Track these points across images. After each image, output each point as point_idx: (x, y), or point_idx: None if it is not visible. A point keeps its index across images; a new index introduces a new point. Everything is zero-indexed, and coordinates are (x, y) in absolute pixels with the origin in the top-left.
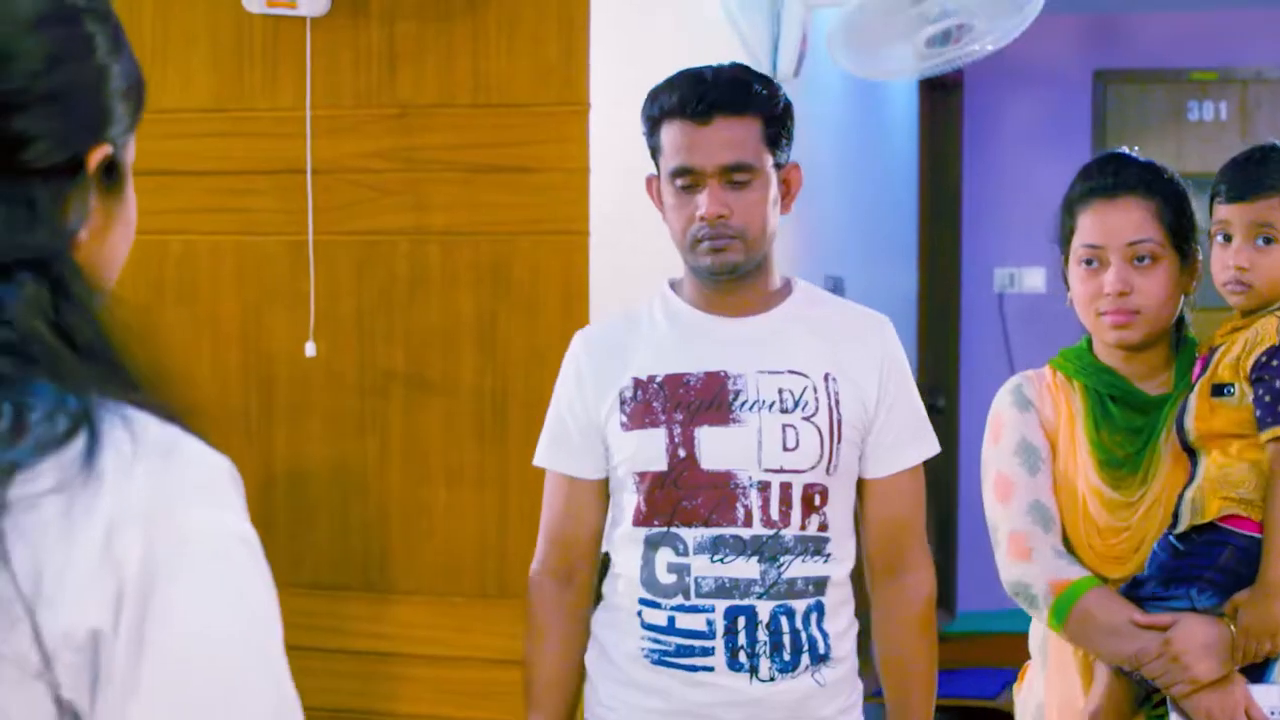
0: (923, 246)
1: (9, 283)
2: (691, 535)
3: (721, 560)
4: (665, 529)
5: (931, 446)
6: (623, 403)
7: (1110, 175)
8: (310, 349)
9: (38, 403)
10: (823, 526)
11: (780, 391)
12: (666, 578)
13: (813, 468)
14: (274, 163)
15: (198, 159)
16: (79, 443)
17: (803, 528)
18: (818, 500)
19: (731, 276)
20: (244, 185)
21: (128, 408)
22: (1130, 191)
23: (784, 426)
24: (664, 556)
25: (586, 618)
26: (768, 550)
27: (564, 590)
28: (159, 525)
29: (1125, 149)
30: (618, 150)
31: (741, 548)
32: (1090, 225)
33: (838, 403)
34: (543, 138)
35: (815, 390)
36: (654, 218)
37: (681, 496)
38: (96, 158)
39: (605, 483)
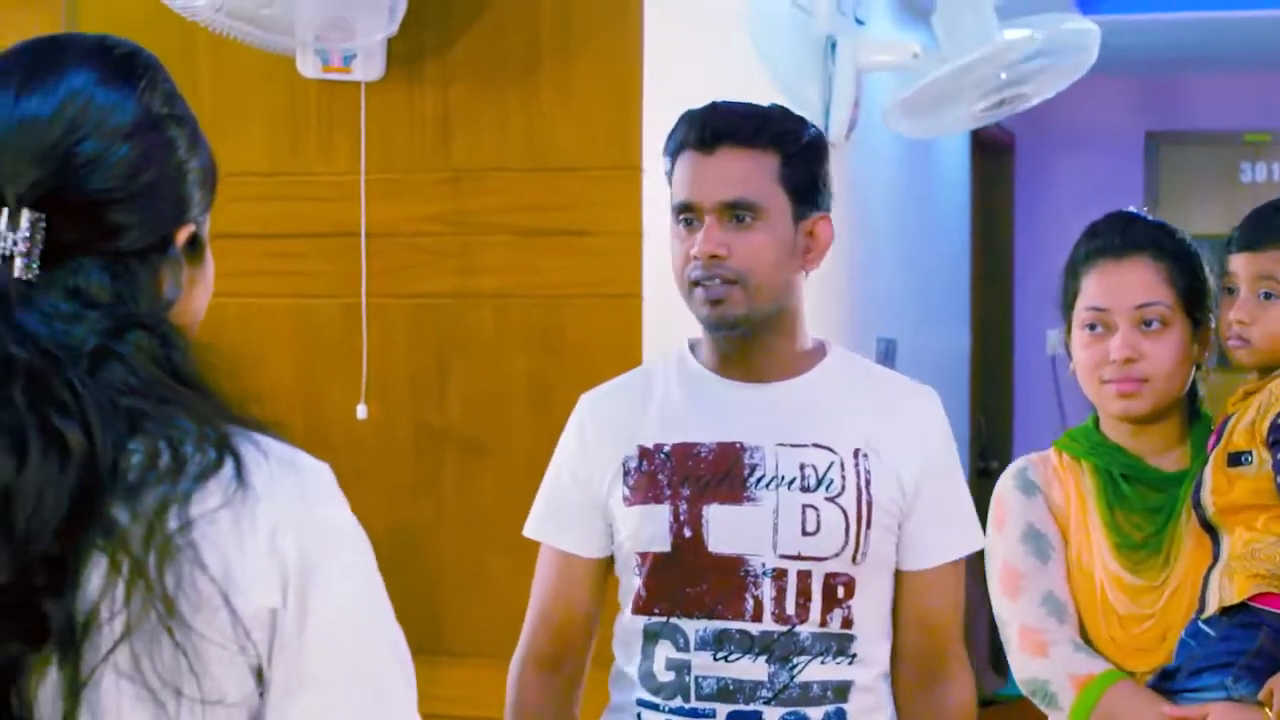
0: (975, 308)
1: (124, 341)
2: (693, 628)
3: (725, 658)
4: (665, 619)
5: (975, 540)
6: (626, 474)
7: (1117, 234)
8: (362, 411)
9: (184, 436)
10: (847, 623)
11: (802, 467)
12: (665, 675)
13: (836, 555)
14: (328, 226)
15: (253, 222)
16: (229, 466)
17: (823, 624)
18: (841, 592)
19: (735, 333)
20: (298, 248)
21: (241, 429)
22: (1139, 251)
23: (804, 507)
24: (663, 651)
25: (573, 711)
26: (778, 649)
27: (549, 679)
28: (306, 524)
29: (1134, 209)
30: (670, 213)
31: (748, 645)
32: (1095, 287)
33: (868, 483)
34: (596, 201)
35: (843, 467)
36: None
37: (684, 582)
38: (182, 236)
39: (605, 563)
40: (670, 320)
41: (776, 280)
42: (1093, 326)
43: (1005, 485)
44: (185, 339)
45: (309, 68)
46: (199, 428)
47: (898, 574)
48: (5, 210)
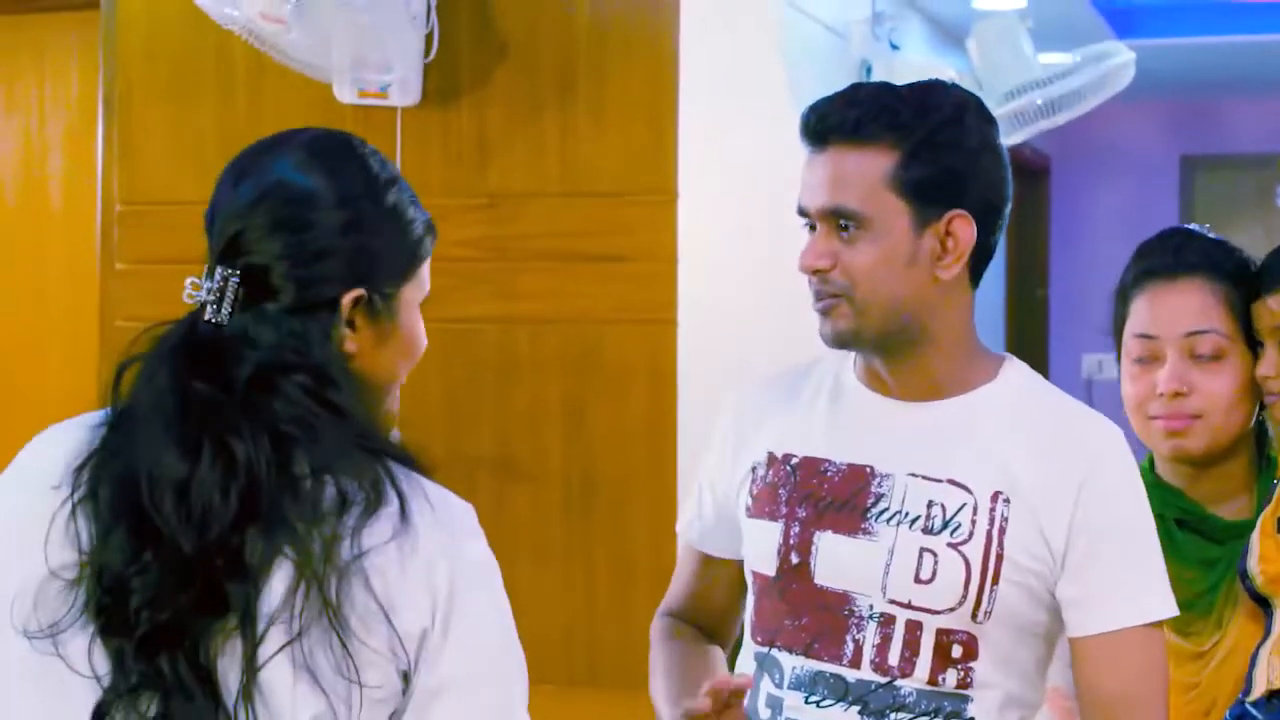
0: (1010, 333)
1: (285, 380)
2: (790, 664)
3: (817, 703)
4: (767, 649)
5: (1158, 607)
6: (753, 481)
7: (1169, 253)
8: (395, 435)
9: (348, 473)
10: (964, 684)
11: (930, 505)
12: (764, 711)
13: (951, 610)
14: None
15: None
16: (394, 504)
17: (932, 682)
18: (958, 652)
19: (852, 350)
20: None
21: (399, 466)
22: (1191, 273)
23: (922, 551)
24: (765, 685)
25: (720, 658)
26: (874, 702)
27: (687, 626)
28: (456, 560)
29: (1193, 225)
30: (706, 239)
31: (842, 692)
32: (1143, 312)
33: (1002, 532)
34: (631, 227)
35: (975, 511)
36: (742, 306)
37: (786, 613)
38: (347, 300)
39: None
40: (705, 345)
41: (892, 295)
42: (1140, 357)
43: None
44: (355, 384)
45: (345, 93)
46: (360, 465)
47: (1070, 643)
48: (206, 267)
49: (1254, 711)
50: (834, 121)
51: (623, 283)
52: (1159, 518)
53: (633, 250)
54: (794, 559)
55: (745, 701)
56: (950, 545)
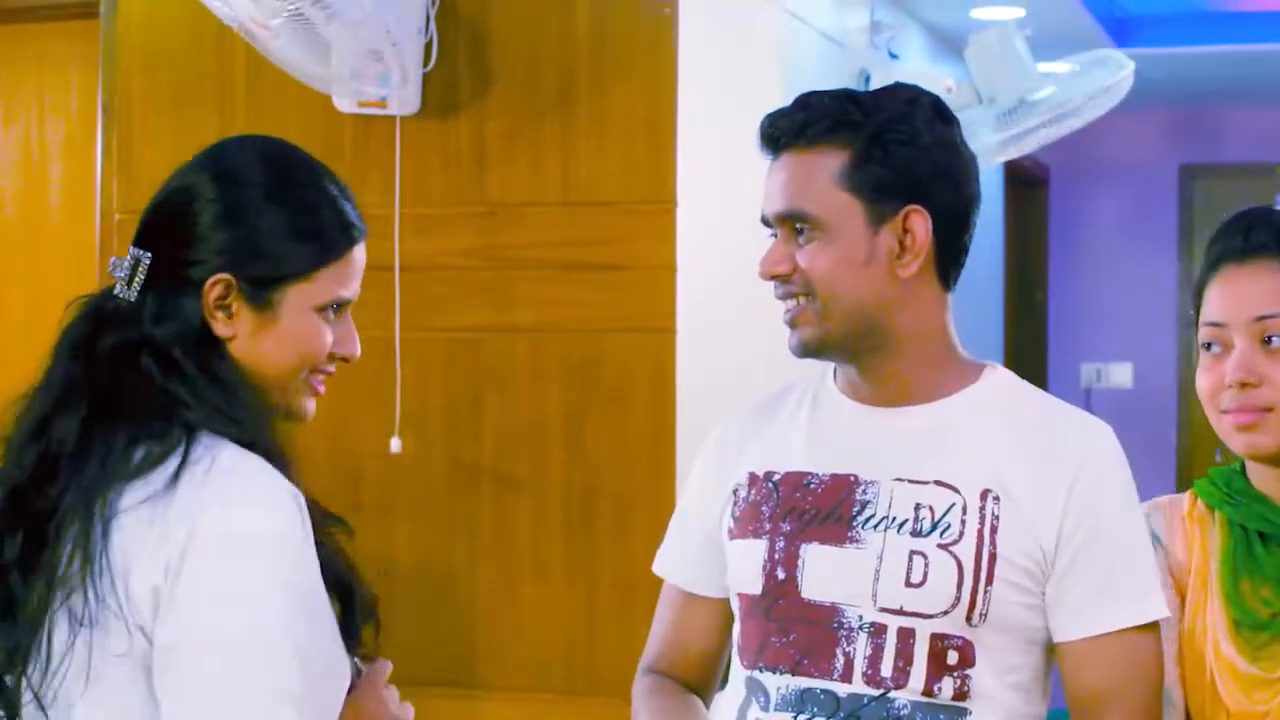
0: (1009, 341)
1: (143, 354)
2: (776, 684)
3: None
4: (753, 672)
5: (1148, 608)
6: (735, 503)
7: (1239, 235)
8: (395, 445)
9: (146, 436)
10: (961, 694)
11: (917, 508)
12: None
13: (945, 613)
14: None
15: None
16: (171, 467)
17: (928, 693)
18: (953, 658)
19: (822, 359)
20: None
21: (226, 443)
22: (1261, 254)
23: (911, 554)
24: (751, 710)
25: (702, 707)
26: (866, 716)
27: (668, 680)
28: (204, 524)
29: (1272, 207)
30: (705, 247)
31: (832, 708)
32: (1214, 298)
33: (994, 530)
34: (631, 235)
35: (965, 511)
36: (742, 315)
37: (773, 631)
38: (209, 285)
39: (727, 603)
40: (705, 354)
41: (852, 295)
42: (1209, 345)
43: None
44: (208, 363)
45: (344, 101)
46: (167, 435)
47: (1057, 647)
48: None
49: None
50: (784, 126)
51: (622, 292)
52: (1239, 529)
53: (632, 259)
54: (780, 574)
55: None
56: (941, 546)
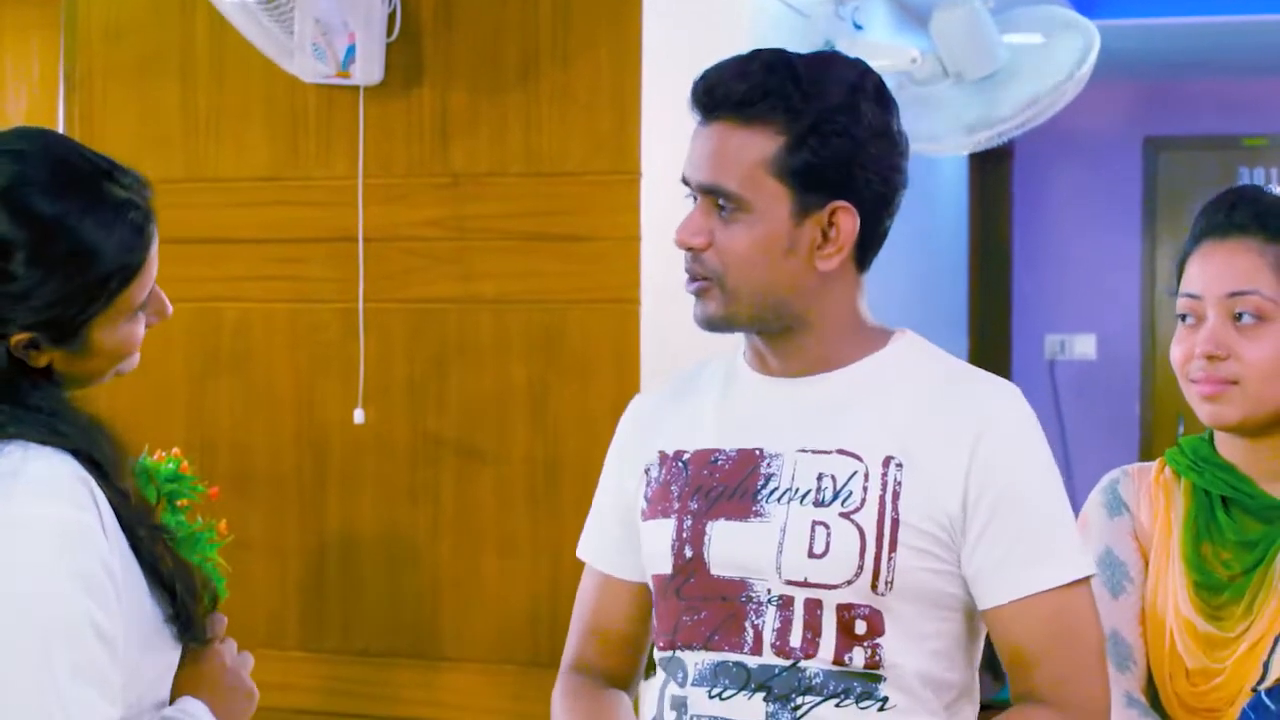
0: (973, 314)
1: None
2: (692, 661)
3: (719, 695)
4: (671, 653)
5: (1069, 567)
6: (647, 484)
7: (1222, 212)
8: (359, 416)
9: None
10: (873, 664)
11: (820, 478)
12: (669, 715)
13: (848, 582)
14: (327, 231)
15: (252, 227)
16: None
17: (838, 661)
18: (861, 628)
19: (724, 332)
20: (297, 253)
21: (33, 446)
22: (1242, 233)
23: (814, 524)
24: (669, 687)
25: (626, 709)
26: (778, 687)
27: (586, 678)
28: None
29: (1262, 185)
30: (669, 219)
31: (744, 680)
32: (1193, 271)
33: (895, 496)
34: (594, 207)
35: (867, 478)
36: None
37: (684, 609)
38: (14, 343)
39: (647, 587)
40: (669, 326)
41: (765, 283)
42: (1184, 317)
43: (1092, 500)
44: (8, 400)
45: (308, 72)
46: None
47: (984, 615)
48: None
49: (1268, 701)
50: (721, 94)
51: (586, 263)
52: (1203, 494)
53: (595, 230)
54: (688, 553)
55: (651, 710)
56: (842, 515)
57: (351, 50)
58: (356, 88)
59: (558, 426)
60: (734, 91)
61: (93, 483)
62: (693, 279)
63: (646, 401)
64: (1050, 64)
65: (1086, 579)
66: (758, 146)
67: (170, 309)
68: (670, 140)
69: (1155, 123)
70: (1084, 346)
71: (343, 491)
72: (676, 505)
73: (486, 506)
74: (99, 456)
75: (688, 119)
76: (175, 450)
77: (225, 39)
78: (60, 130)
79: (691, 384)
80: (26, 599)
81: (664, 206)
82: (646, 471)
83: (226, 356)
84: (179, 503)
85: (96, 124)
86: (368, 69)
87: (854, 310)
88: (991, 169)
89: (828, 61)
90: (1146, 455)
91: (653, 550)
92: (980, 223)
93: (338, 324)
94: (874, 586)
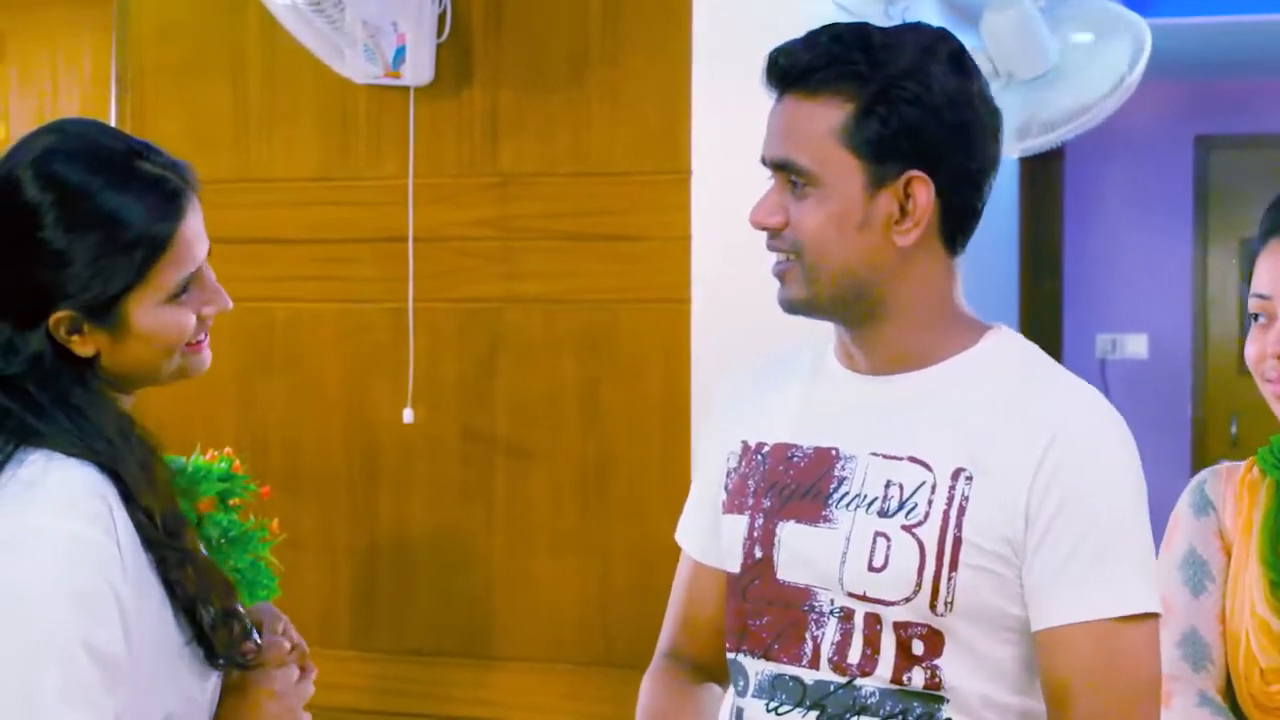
0: (1024, 313)
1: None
2: (753, 669)
3: (776, 710)
4: (735, 655)
5: (1133, 598)
6: (728, 473)
7: None
8: (408, 415)
9: None
10: (934, 684)
11: (888, 485)
12: None
13: (906, 600)
14: (377, 231)
15: (302, 227)
16: None
17: (897, 681)
18: (919, 648)
19: (807, 316)
20: (347, 253)
21: (58, 457)
22: None
23: (875, 535)
24: (730, 695)
25: (712, 703)
26: (832, 706)
27: (677, 668)
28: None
29: None
30: (719, 218)
31: (799, 695)
32: (1262, 270)
33: (961, 512)
34: (644, 206)
35: (934, 490)
36: (755, 285)
37: (749, 613)
38: (53, 322)
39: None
40: (718, 324)
41: (842, 260)
42: (1255, 316)
43: (1182, 499)
44: (63, 388)
45: (358, 73)
46: (9, 448)
47: (1034, 636)
48: None
49: None
50: (786, 66)
51: (636, 262)
52: None
53: (646, 230)
54: (758, 553)
55: (725, 714)
56: (904, 528)
57: (401, 51)
58: (406, 88)
59: (608, 425)
60: (799, 61)
61: (113, 499)
62: (774, 258)
63: (737, 382)
64: (1101, 65)
65: (1150, 616)
66: (826, 117)
67: (228, 302)
68: (720, 139)
69: (1206, 121)
70: (1135, 346)
71: (393, 490)
72: (751, 501)
73: (537, 505)
74: (125, 474)
75: (737, 118)
76: (227, 449)
77: (276, 40)
78: None
79: (780, 371)
80: (20, 617)
81: (713, 205)
82: (728, 460)
83: (277, 356)
84: (231, 501)
85: (148, 123)
86: (418, 69)
87: (943, 298)
88: (1042, 168)
89: (903, 29)
90: (1198, 455)
91: (727, 546)
92: (1031, 222)
93: (387, 323)
94: (932, 606)
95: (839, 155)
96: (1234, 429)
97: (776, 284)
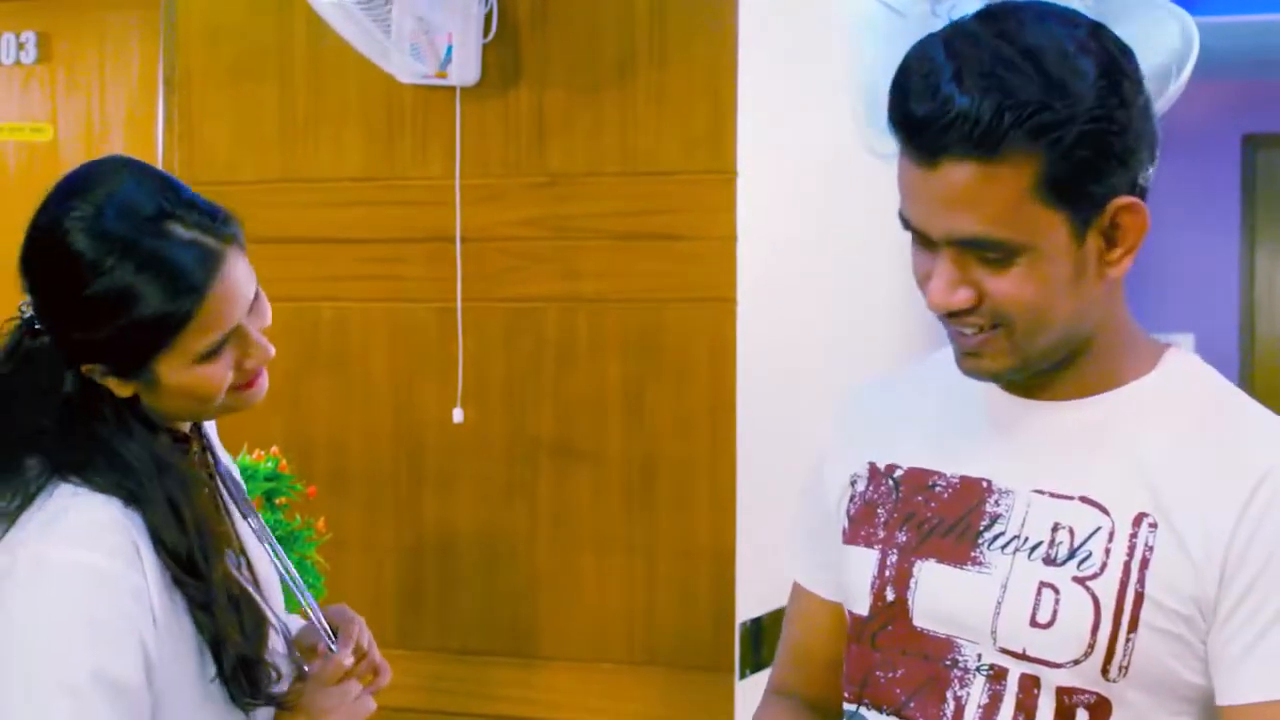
0: None
1: (20, 402)
2: None
3: None
4: (856, 707)
5: None
6: (851, 498)
7: None
8: (458, 415)
9: (20, 482)
10: None
11: (1055, 529)
12: None
13: (1075, 662)
14: (424, 231)
15: (349, 227)
16: (16, 506)
17: None
18: (1083, 717)
19: (1007, 380)
20: (394, 253)
21: (83, 488)
22: None
23: (1040, 585)
24: None
25: None
26: None
27: (793, 709)
28: (22, 552)
29: None
30: (766, 217)
31: None
32: None
33: (1144, 565)
34: (691, 205)
35: (1113, 538)
36: (803, 285)
37: (878, 663)
38: (86, 371)
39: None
40: (765, 325)
41: (1059, 319)
42: None
43: None
44: (99, 419)
45: (406, 72)
46: (40, 478)
47: (1220, 711)
48: None
49: None
50: (950, 134)
51: (682, 262)
52: None
53: (693, 230)
54: (889, 595)
55: None
56: (1077, 580)
57: (449, 50)
58: (453, 88)
59: (654, 426)
60: (967, 125)
61: (138, 535)
62: (965, 334)
63: (862, 394)
64: (1148, 64)
65: None
66: (1015, 178)
67: (270, 351)
68: (767, 139)
69: (1254, 120)
70: (1182, 346)
71: (440, 490)
72: (882, 534)
73: (583, 506)
74: (149, 514)
75: (785, 117)
76: (274, 449)
77: (323, 40)
78: (159, 131)
79: (916, 382)
80: (34, 646)
81: (761, 205)
82: (853, 483)
83: (324, 356)
84: (277, 501)
85: (195, 125)
86: (464, 69)
87: (1127, 319)
88: None
89: (1052, 30)
90: None
91: (851, 583)
92: None
93: (435, 323)
94: (1104, 671)
95: (1039, 214)
96: None
97: (961, 353)
